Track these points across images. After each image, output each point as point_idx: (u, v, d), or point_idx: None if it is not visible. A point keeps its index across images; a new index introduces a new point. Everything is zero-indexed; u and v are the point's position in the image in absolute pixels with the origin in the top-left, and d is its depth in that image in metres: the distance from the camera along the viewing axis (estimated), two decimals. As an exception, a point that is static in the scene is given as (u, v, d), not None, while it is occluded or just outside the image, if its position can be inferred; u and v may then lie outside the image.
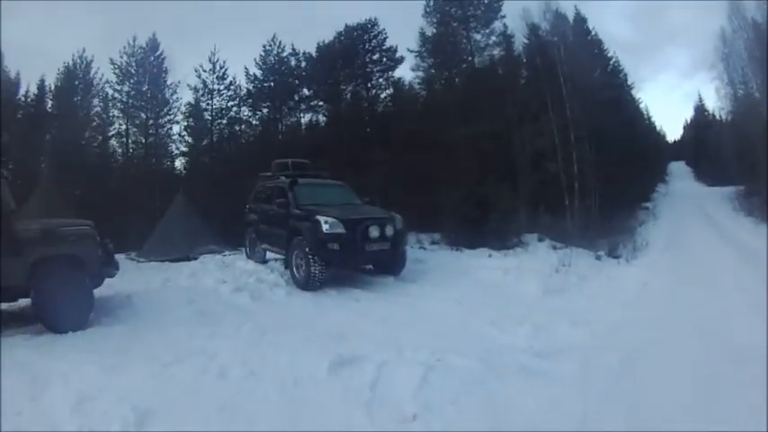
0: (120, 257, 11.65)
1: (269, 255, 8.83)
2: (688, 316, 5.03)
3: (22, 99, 18.64)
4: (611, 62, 21.94)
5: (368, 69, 19.68)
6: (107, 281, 7.15)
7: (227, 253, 10.90)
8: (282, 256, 7.76)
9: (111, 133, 19.03)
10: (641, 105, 28.07)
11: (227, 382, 3.36)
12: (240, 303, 5.71)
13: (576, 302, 6.11)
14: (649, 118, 32.29)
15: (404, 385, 3.17)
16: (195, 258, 10.22)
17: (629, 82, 23.84)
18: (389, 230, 7.01)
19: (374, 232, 6.81)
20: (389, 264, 7.51)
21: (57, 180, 17.72)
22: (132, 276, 7.74)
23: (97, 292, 6.03)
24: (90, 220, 5.48)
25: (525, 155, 14.65)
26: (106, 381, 3.30)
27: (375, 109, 19.44)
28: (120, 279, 7.69)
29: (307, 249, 6.65)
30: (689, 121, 50.98)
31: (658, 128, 38.61)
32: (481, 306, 5.66)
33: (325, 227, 6.61)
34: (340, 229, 6.64)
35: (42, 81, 18.75)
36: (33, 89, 18.75)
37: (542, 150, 14.15)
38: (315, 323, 4.99)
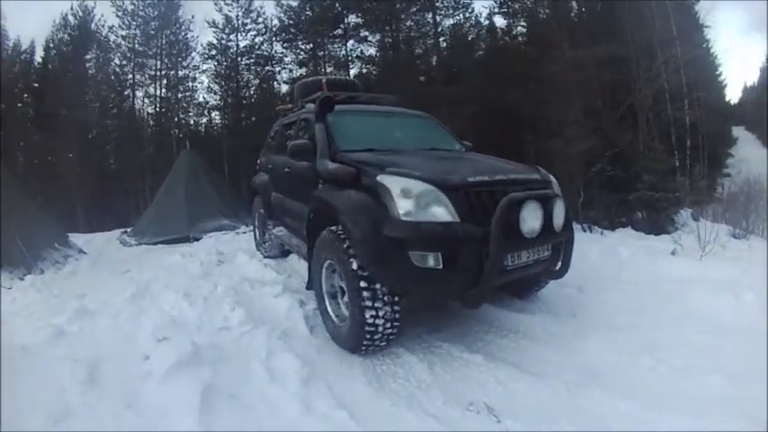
0: (111, 235, 8.76)
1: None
2: None
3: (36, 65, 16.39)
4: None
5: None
6: None
7: (240, 230, 7.81)
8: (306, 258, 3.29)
9: (126, 90, 16.06)
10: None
11: None
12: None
13: None
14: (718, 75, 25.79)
15: None
16: (197, 239, 7.34)
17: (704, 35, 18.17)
18: (560, 215, 2.81)
19: (531, 221, 2.55)
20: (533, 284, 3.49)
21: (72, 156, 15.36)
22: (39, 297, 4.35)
23: None
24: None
25: (643, 99, 10.78)
26: None
27: (442, 34, 14.87)
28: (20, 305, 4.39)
29: (354, 266, 2.50)
30: (749, 83, 44.84)
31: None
32: None
33: (402, 206, 2.40)
34: (443, 214, 2.38)
35: (48, 43, 16.41)
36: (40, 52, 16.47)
37: (657, 95, 11.21)
38: None
